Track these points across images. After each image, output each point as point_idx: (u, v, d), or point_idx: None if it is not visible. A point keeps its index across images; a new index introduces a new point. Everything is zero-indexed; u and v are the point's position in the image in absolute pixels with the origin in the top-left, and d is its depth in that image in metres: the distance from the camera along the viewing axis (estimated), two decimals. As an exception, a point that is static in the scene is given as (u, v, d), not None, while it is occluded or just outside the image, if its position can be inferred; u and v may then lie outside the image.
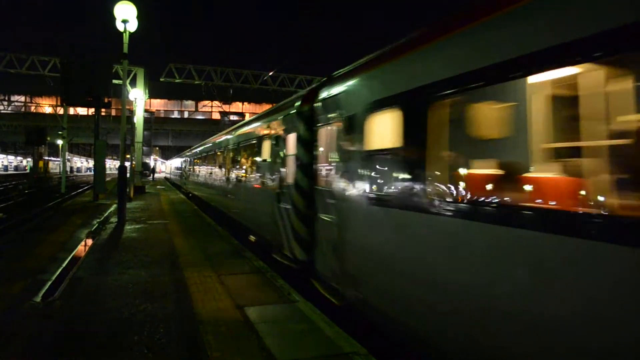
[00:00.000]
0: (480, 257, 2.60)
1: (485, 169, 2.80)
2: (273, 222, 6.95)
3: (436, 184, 3.07)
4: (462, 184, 2.91)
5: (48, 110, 50.77)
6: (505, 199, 2.61)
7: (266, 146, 7.93)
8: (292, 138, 6.40)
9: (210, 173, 15.56)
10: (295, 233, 5.84)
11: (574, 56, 2.13)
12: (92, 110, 21.34)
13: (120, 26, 10.83)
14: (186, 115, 61.18)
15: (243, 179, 10.01)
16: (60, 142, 31.03)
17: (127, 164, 14.58)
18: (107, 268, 6.04)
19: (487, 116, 2.85)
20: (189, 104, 62.48)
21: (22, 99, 55.11)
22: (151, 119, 44.35)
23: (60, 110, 30.96)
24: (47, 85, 34.70)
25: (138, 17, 11.03)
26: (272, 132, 7.52)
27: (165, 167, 61.35)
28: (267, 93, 39.28)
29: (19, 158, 75.36)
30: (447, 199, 2.93)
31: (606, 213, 2.04)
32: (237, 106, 57.38)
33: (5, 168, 68.61)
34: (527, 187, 2.45)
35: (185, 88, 42.79)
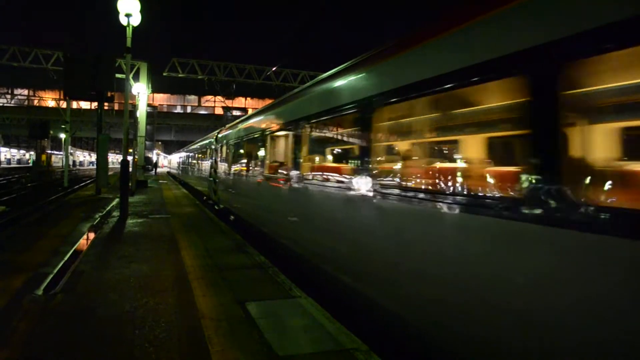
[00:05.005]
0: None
1: None
2: None
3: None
4: None
5: (51, 103, 50.87)
6: None
7: None
8: None
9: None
10: None
11: None
12: (95, 104, 21.39)
13: (123, 20, 10.82)
14: (189, 110, 61.17)
15: None
16: (63, 135, 31.14)
17: (130, 158, 14.58)
18: (109, 262, 6.05)
19: None
20: (192, 98, 62.45)
21: (26, 92, 55.19)
22: (154, 114, 44.27)
23: (64, 104, 31.00)
24: (50, 78, 34.84)
25: (141, 11, 11.00)
26: None
27: (168, 161, 61.40)
28: (270, 88, 39.28)
29: (22, 151, 75.53)
30: None
31: None
32: (239, 101, 57.37)
33: (8, 161, 68.79)
34: None
35: (188, 83, 42.94)
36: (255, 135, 9.11)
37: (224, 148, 13.23)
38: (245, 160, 10.31)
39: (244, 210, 9.94)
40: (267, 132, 8.23)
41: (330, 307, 4.38)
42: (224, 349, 3.34)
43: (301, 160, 6.15)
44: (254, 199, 9.12)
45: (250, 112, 23.90)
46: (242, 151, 10.80)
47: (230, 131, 12.55)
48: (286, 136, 7.48)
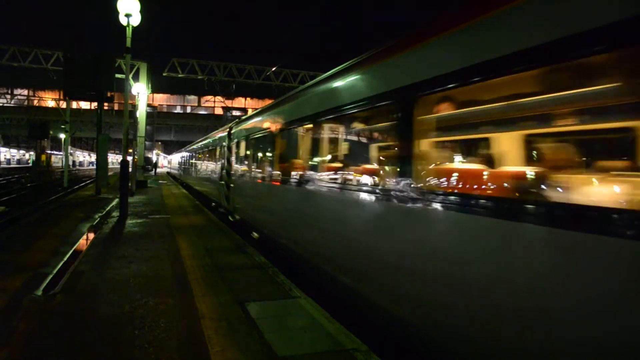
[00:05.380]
0: None
1: None
2: None
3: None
4: None
5: (51, 103, 50.83)
6: None
7: None
8: None
9: None
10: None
11: None
12: (94, 104, 21.39)
13: (123, 20, 10.81)
14: (189, 110, 61.16)
15: None
16: (62, 136, 31.14)
17: (130, 158, 14.57)
18: (108, 262, 6.04)
19: None
20: (192, 99, 62.44)
21: (25, 92, 55.16)
22: (154, 114, 44.27)
23: (63, 104, 31.00)
24: (50, 78, 34.83)
25: (141, 11, 11.00)
26: None
27: (168, 161, 61.37)
28: (270, 88, 39.29)
29: (22, 151, 75.50)
30: None
31: None
32: (239, 101, 57.35)
33: (8, 161, 68.73)
34: None
35: (188, 83, 42.97)
36: (301, 126, 6.17)
37: (242, 145, 10.47)
38: (279, 161, 7.20)
39: (278, 230, 7.12)
40: (325, 119, 5.25)
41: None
42: (224, 349, 3.34)
43: (417, 159, 3.46)
44: (302, 215, 6.05)
45: (250, 112, 22.83)
46: (271, 150, 7.71)
47: (251, 123, 9.65)
48: (365, 121, 4.99)
